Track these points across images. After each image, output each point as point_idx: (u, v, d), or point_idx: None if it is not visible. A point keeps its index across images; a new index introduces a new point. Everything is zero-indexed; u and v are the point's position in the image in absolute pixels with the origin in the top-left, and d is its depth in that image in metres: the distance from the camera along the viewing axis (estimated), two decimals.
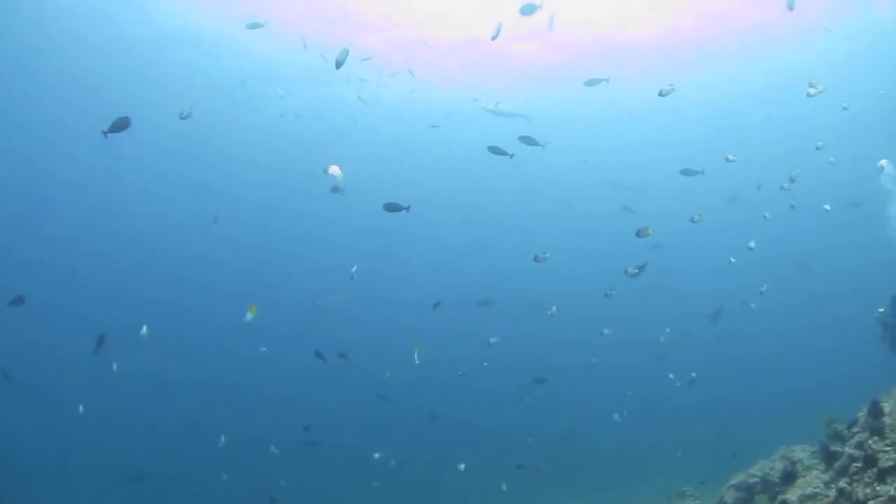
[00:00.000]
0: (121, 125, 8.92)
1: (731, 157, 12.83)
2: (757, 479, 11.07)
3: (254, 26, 18.96)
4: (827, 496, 8.34)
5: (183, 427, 25.56)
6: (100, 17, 22.34)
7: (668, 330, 19.71)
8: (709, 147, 13.49)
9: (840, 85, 24.20)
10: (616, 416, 19.65)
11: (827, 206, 16.38)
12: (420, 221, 35.23)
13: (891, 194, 15.64)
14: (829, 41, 23.79)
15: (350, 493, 21.56)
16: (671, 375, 20.93)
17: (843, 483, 7.96)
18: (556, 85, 26.08)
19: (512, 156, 11.71)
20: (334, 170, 10.16)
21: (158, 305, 30.14)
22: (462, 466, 15.20)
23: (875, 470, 7.59)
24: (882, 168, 15.71)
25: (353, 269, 15.55)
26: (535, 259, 11.90)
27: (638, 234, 11.57)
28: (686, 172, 14.11)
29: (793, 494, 8.92)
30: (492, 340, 14.19)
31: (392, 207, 10.32)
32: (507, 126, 24.13)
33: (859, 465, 7.93)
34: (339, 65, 11.50)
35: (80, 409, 16.67)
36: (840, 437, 9.11)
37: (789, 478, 9.98)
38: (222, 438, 17.31)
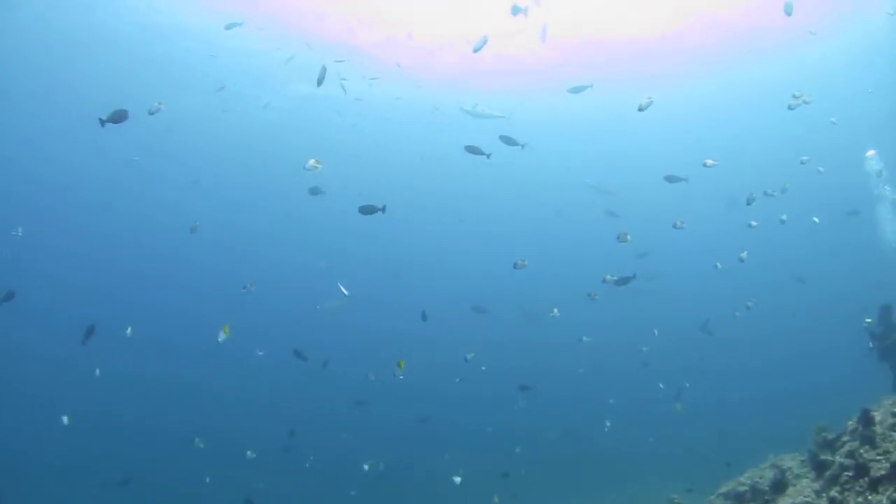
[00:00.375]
0: (119, 117, 8.85)
1: (709, 162, 12.80)
2: (746, 488, 10.98)
3: (231, 26, 19.07)
4: None
5: (171, 430, 25.28)
6: (84, 11, 22.12)
7: (656, 332, 19.57)
8: (705, 153, 13.42)
9: (835, 91, 24.47)
10: (608, 423, 19.61)
11: (815, 219, 16.40)
12: (410, 225, 35.22)
13: (881, 198, 15.69)
14: (824, 49, 23.94)
15: (332, 498, 21.36)
16: (661, 385, 20.91)
17: (834, 492, 7.89)
18: (546, 87, 26.07)
19: (489, 155, 11.63)
20: (312, 163, 9.97)
21: (148, 308, 29.82)
22: (458, 479, 14.95)
23: (867, 479, 7.54)
24: (868, 160, 15.76)
25: (346, 291, 15.38)
26: (515, 266, 11.85)
27: (618, 238, 11.60)
28: (670, 179, 14.08)
29: (783, 503, 8.86)
30: (468, 356, 13.95)
31: (367, 210, 10.06)
32: (493, 127, 24.16)
33: (850, 474, 7.88)
34: (319, 82, 11.79)
35: (65, 420, 16.32)
36: (830, 446, 9.06)
37: (779, 486, 9.91)
38: (197, 441, 17.18)
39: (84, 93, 25.60)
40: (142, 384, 27.93)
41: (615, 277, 12.36)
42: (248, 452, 17.25)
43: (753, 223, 14.07)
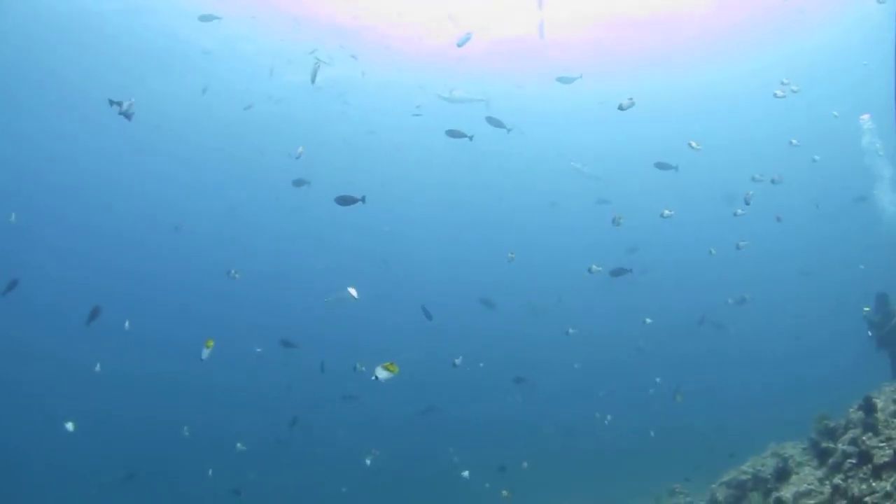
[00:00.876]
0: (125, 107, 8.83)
1: (694, 144, 12.76)
2: (748, 476, 10.95)
3: (207, 18, 18.84)
4: (822, 493, 8.25)
5: (170, 424, 25.24)
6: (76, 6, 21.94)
7: (648, 320, 19.58)
8: (704, 142, 13.32)
9: (836, 76, 24.27)
10: (608, 416, 19.62)
11: (817, 206, 16.30)
12: (404, 218, 35.07)
13: (879, 178, 15.60)
14: (824, 35, 23.75)
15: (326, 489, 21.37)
16: (658, 379, 20.91)
17: (837, 480, 7.87)
18: (540, 72, 25.77)
19: (471, 137, 11.62)
20: (300, 151, 9.94)
21: (148, 304, 29.65)
22: (466, 473, 14.98)
23: (870, 466, 7.51)
24: (864, 128, 15.68)
25: (355, 294, 15.30)
26: (509, 260, 11.92)
27: (613, 221, 11.82)
28: (660, 166, 14.03)
29: (787, 491, 8.81)
30: (456, 361, 13.90)
31: (345, 200, 9.87)
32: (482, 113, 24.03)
33: (854, 461, 7.86)
34: (312, 79, 11.96)
35: (69, 426, 16.24)
36: (831, 434, 9.05)
37: (782, 474, 9.90)
38: (185, 430, 17.23)
39: (75, 84, 25.29)
40: (142, 381, 27.82)
41: (600, 268, 12.41)
42: (238, 444, 17.26)
43: (739, 211, 14.03)
